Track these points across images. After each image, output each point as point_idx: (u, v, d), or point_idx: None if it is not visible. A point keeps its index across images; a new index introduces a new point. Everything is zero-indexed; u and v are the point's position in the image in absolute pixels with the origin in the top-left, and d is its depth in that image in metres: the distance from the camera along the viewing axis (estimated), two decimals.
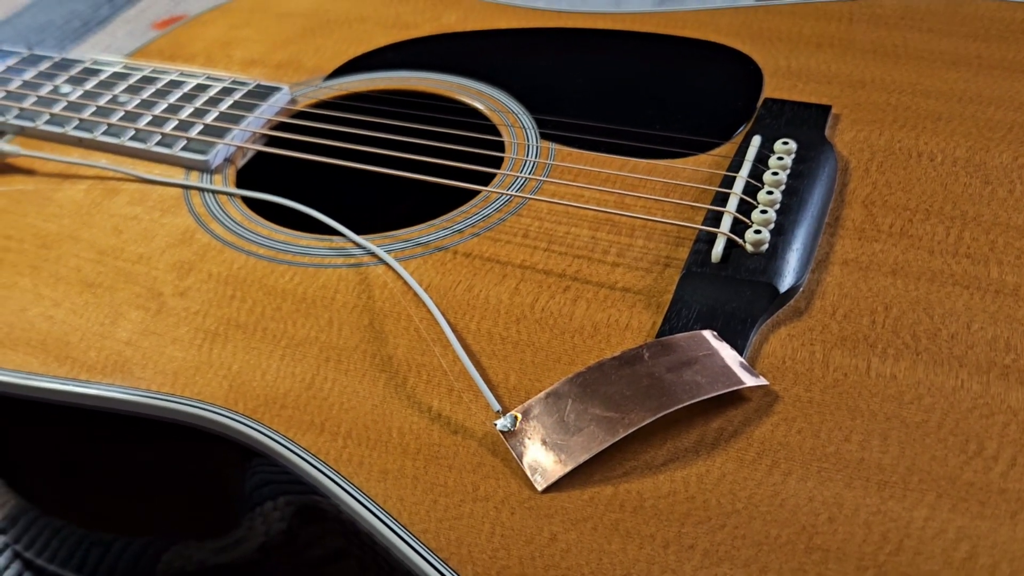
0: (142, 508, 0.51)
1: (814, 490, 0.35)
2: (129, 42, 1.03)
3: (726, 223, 0.45)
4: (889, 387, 0.38)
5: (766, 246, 0.43)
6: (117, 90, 0.60)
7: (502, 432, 0.38)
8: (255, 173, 0.57)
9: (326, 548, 0.44)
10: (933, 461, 0.35)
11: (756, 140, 0.50)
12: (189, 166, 0.55)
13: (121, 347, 0.45)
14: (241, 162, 0.56)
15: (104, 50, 1.04)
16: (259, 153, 0.57)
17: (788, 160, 0.48)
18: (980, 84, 0.53)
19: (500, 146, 0.54)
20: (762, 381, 0.39)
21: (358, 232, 0.49)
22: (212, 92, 0.59)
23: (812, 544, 0.34)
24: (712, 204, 0.47)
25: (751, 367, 0.39)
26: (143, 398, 0.42)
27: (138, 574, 0.54)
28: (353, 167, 0.52)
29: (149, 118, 0.57)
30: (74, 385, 0.43)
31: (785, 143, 0.49)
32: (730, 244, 0.44)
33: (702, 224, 0.45)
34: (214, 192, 0.53)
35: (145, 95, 0.59)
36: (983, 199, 0.46)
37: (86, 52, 1.03)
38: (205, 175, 0.54)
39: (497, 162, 0.52)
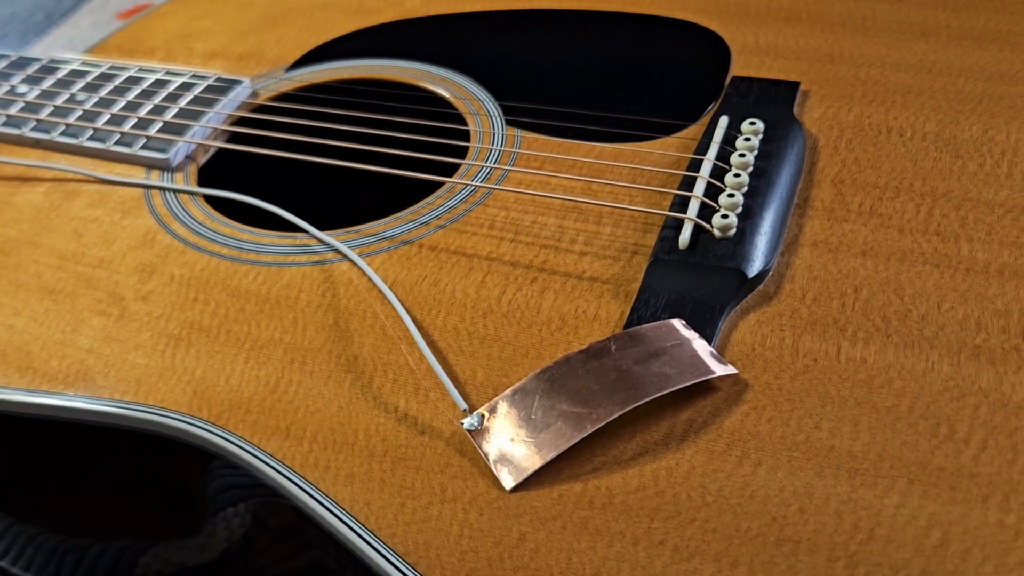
0: (114, 513, 0.51)
1: (784, 480, 0.35)
2: (94, 33, 1.02)
3: (693, 208, 0.44)
4: (859, 372, 0.38)
5: (734, 231, 0.43)
6: (75, 88, 0.59)
7: (469, 431, 0.37)
8: (219, 170, 0.56)
9: (298, 553, 0.43)
10: (904, 447, 0.35)
11: (723, 121, 0.49)
12: (149, 165, 0.54)
13: (83, 355, 0.44)
14: (203, 159, 0.55)
15: (68, 42, 1.02)
16: (222, 149, 0.56)
17: (756, 141, 0.47)
18: (950, 55, 0.52)
19: (466, 135, 0.53)
20: (731, 370, 0.38)
21: (323, 228, 0.48)
22: (171, 88, 0.57)
23: (783, 536, 0.33)
24: (679, 189, 0.46)
25: (720, 356, 0.39)
26: (106, 407, 0.41)
27: None
28: (315, 161, 0.51)
29: (108, 116, 0.56)
30: (36, 396, 0.42)
31: (752, 123, 0.48)
32: (698, 230, 0.43)
33: (669, 210, 0.45)
34: (175, 191, 0.52)
35: (103, 93, 0.58)
36: (953, 174, 0.45)
37: (50, 45, 1.02)
38: (166, 174, 0.53)
39: (463, 151, 0.51)
